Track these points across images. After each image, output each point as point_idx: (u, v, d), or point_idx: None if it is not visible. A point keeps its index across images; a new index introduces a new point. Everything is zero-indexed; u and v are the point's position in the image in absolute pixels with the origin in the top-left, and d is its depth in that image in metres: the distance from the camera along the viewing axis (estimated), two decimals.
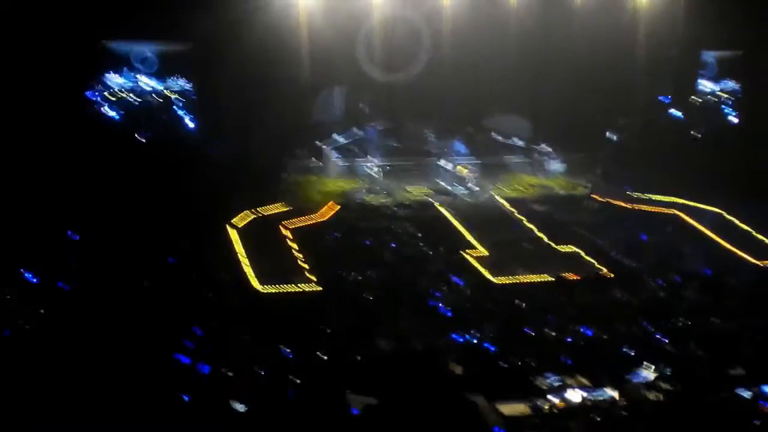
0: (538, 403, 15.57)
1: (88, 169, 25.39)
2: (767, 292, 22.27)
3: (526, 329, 19.42)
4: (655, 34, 31.73)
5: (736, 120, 35.02)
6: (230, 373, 16.37)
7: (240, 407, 14.83)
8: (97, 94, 29.68)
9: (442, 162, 31.68)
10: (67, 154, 25.53)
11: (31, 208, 23.06)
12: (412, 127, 34.29)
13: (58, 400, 14.57)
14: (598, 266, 24.48)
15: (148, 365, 16.25)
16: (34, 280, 20.36)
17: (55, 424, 13.98)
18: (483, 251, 25.17)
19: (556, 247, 26.04)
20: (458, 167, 30.65)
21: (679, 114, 34.95)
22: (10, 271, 20.37)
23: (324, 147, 32.46)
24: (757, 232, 26.52)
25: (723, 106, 35.25)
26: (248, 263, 23.35)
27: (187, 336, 17.97)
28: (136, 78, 30.70)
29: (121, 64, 30.41)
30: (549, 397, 15.81)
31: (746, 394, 15.73)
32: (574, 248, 25.68)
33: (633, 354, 17.87)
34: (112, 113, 29.91)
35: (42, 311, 18.65)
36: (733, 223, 27.32)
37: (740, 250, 25.48)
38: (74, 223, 23.36)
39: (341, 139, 33.21)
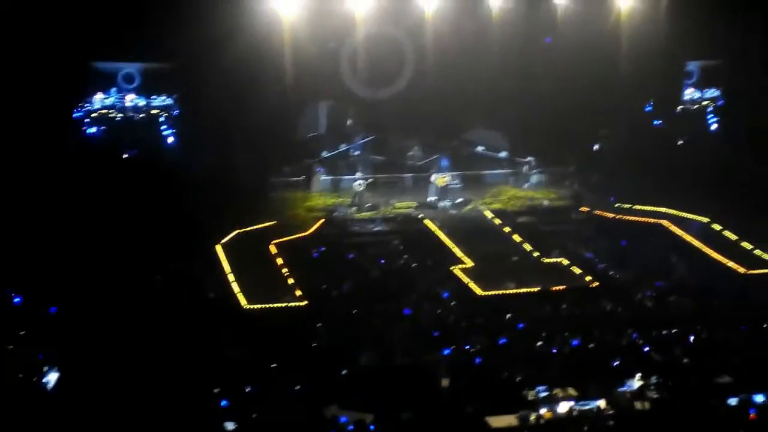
0: (526, 414, 15.51)
1: (72, 188, 25.29)
2: (753, 300, 22.37)
3: (514, 341, 19.41)
4: (639, 44, 31.82)
5: (717, 126, 35.12)
6: (217, 390, 16.26)
7: (230, 425, 14.72)
8: (81, 112, 29.57)
9: (427, 176, 31.67)
10: (52, 174, 25.43)
11: (15, 227, 22.96)
12: (397, 141, 34.30)
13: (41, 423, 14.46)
14: (585, 277, 24.57)
15: (134, 384, 16.14)
16: (17, 300, 20.25)
17: None
18: (470, 264, 25.19)
19: (542, 259, 26.10)
20: (442, 180, 30.62)
21: (664, 123, 35.08)
22: None
23: (309, 163, 32.44)
24: (743, 241, 26.60)
25: (707, 114, 35.36)
26: (235, 281, 23.32)
27: (174, 354, 17.88)
28: (121, 96, 30.64)
29: (104, 82, 30.33)
30: (537, 408, 15.76)
31: (734, 402, 15.73)
32: (560, 260, 25.75)
33: (620, 364, 17.84)
34: (96, 132, 29.81)
35: (23, 333, 18.52)
36: (719, 231, 27.37)
37: (727, 258, 25.55)
38: (59, 242, 23.22)
39: (327, 155, 33.22)
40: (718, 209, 27.79)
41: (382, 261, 25.31)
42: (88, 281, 21.41)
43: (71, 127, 29.10)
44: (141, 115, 30.76)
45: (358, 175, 31.00)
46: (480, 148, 34.44)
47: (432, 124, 33.98)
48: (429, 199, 30.64)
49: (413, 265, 25.04)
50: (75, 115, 29.36)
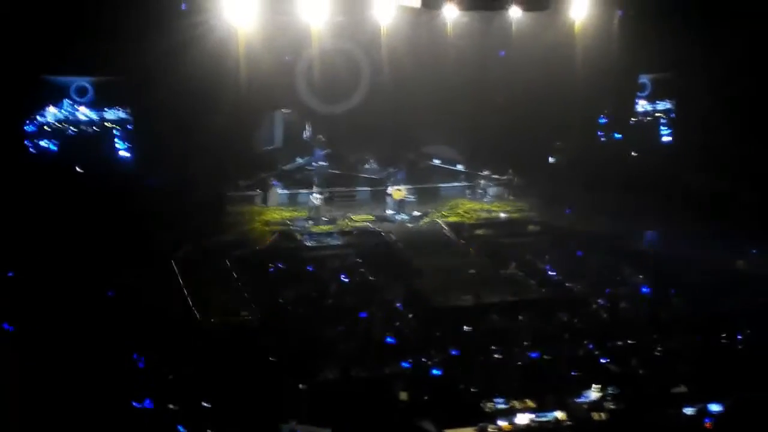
0: (486, 427, 15.51)
1: (23, 202, 24.87)
2: (707, 310, 22.61)
3: (471, 353, 19.42)
4: (592, 57, 32.17)
5: (670, 138, 35.56)
6: (174, 407, 16.03)
7: None
8: (32, 126, 29.08)
9: (384, 189, 31.70)
10: (2, 188, 25.00)
11: None
12: (353, 155, 34.34)
13: None
14: (541, 289, 24.73)
15: (89, 401, 15.85)
16: None
17: None
18: (427, 276, 25.21)
19: (499, 271, 26.21)
20: (398, 194, 30.66)
21: (618, 135, 35.47)
22: None
23: (265, 176, 32.27)
24: (694, 250, 26.91)
25: (660, 126, 35.79)
26: (189, 295, 23.05)
27: (129, 370, 17.63)
28: (73, 109, 30.16)
29: (56, 95, 29.85)
30: (496, 420, 15.76)
31: (690, 411, 15.87)
32: (517, 271, 25.87)
33: (577, 375, 17.93)
34: (48, 145, 29.33)
35: None
36: (673, 242, 27.68)
37: (680, 269, 25.81)
38: (9, 257, 22.81)
39: (283, 169, 33.09)
40: (675, 220, 28.14)
41: (341, 275, 25.17)
42: (38, 296, 21.00)
43: (22, 140, 28.58)
44: (94, 129, 30.30)
45: (315, 188, 30.95)
46: (436, 161, 34.60)
47: (388, 137, 34.04)
48: (386, 212, 30.65)
49: (371, 278, 24.97)
50: (26, 128, 28.84)
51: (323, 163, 32.89)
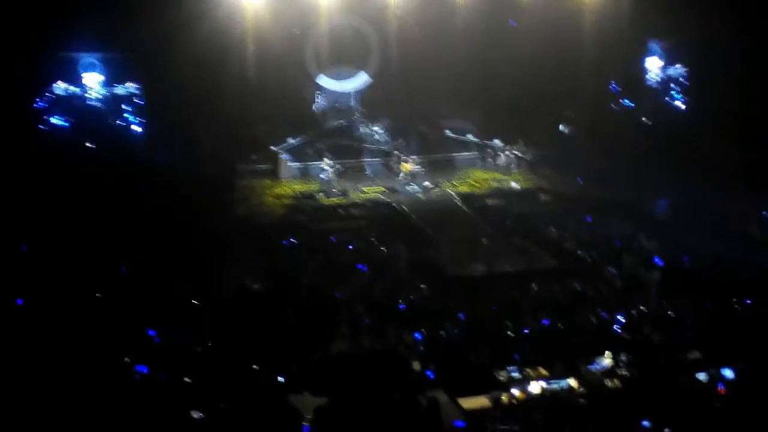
0: (499, 395, 15.56)
1: (37, 178, 24.98)
2: (720, 276, 22.55)
3: (485, 324, 19.45)
4: (601, 25, 32.00)
5: (684, 106, 35.26)
6: (188, 380, 16.12)
7: (196, 415, 14.58)
8: (44, 102, 29.17)
9: (395, 160, 31.69)
10: (15, 164, 25.11)
11: None
12: (364, 127, 34.33)
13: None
14: (554, 258, 24.71)
15: (103, 373, 15.96)
16: None
17: None
18: (438, 246, 25.23)
19: (511, 241, 26.20)
20: (409, 165, 30.68)
21: (630, 103, 35.25)
22: None
23: (277, 150, 32.31)
24: (711, 219, 26.81)
25: (672, 93, 35.48)
26: (203, 269, 23.11)
27: (144, 344, 17.73)
28: (84, 85, 30.22)
29: (68, 72, 29.91)
30: (509, 389, 15.82)
31: (703, 377, 15.89)
32: (529, 241, 25.86)
33: (591, 343, 17.95)
34: (60, 121, 29.43)
35: None
36: (687, 209, 27.57)
37: (693, 236, 25.73)
38: (22, 233, 22.92)
39: (294, 142, 33.12)
40: (687, 188, 28.01)
41: (351, 246, 25.20)
42: (52, 274, 21.11)
43: (34, 116, 28.69)
44: (105, 105, 30.36)
45: (326, 161, 30.99)
46: (447, 132, 34.56)
47: (398, 109, 34.02)
48: (397, 183, 30.67)
49: (383, 250, 25.00)
50: (38, 105, 28.95)
51: (333, 137, 32.93)
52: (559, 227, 26.96)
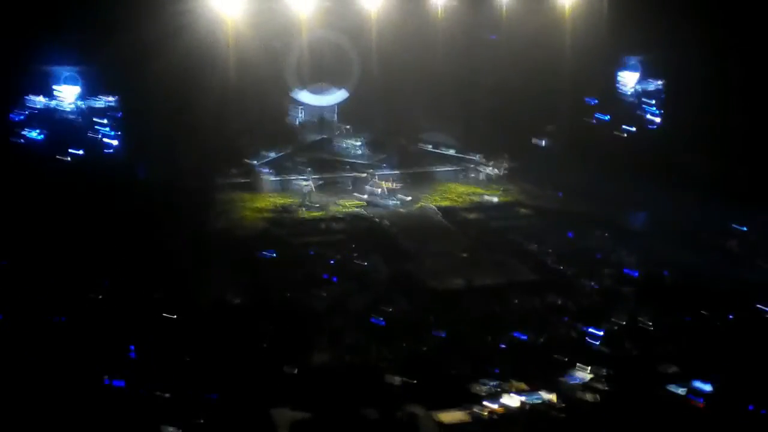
0: (477, 409, 15.55)
1: (11, 192, 24.79)
2: (697, 289, 22.64)
3: (464, 337, 19.43)
4: (578, 39, 32.24)
5: (658, 119, 35.50)
6: (166, 395, 16.03)
7: (171, 430, 14.50)
8: (19, 115, 28.96)
9: (373, 174, 31.72)
10: None
11: None
12: (344, 141, 34.38)
13: None
14: (531, 272, 24.72)
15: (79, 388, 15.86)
16: None
17: None
18: (418, 260, 25.21)
19: (489, 254, 26.20)
20: (384, 184, 30.82)
21: (605, 116, 35.45)
22: None
23: (255, 164, 32.27)
24: (686, 230, 26.95)
25: (645, 106, 35.71)
26: (183, 283, 22.95)
27: (121, 359, 17.61)
28: (61, 98, 30.01)
29: (44, 84, 29.72)
30: (487, 403, 15.80)
31: (679, 390, 15.95)
32: (507, 255, 25.87)
33: (568, 357, 17.97)
34: (35, 134, 29.22)
35: None
36: (664, 222, 27.70)
37: (671, 249, 25.84)
38: None
39: (274, 155, 33.10)
40: (663, 199, 28.17)
41: (332, 261, 25.13)
42: (28, 289, 20.94)
43: (8, 129, 28.50)
44: (81, 117, 30.17)
45: (306, 175, 31.00)
46: (427, 146, 34.65)
47: (378, 123, 34.09)
48: (377, 197, 30.68)
49: (364, 263, 24.94)
50: (13, 117, 28.74)
51: (313, 150, 32.94)
52: (538, 241, 26.99)
